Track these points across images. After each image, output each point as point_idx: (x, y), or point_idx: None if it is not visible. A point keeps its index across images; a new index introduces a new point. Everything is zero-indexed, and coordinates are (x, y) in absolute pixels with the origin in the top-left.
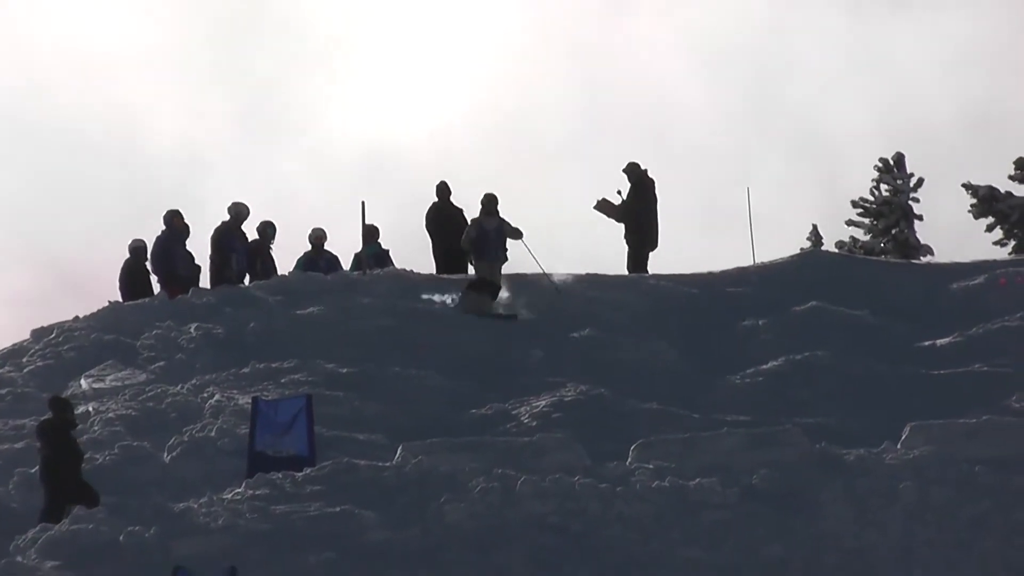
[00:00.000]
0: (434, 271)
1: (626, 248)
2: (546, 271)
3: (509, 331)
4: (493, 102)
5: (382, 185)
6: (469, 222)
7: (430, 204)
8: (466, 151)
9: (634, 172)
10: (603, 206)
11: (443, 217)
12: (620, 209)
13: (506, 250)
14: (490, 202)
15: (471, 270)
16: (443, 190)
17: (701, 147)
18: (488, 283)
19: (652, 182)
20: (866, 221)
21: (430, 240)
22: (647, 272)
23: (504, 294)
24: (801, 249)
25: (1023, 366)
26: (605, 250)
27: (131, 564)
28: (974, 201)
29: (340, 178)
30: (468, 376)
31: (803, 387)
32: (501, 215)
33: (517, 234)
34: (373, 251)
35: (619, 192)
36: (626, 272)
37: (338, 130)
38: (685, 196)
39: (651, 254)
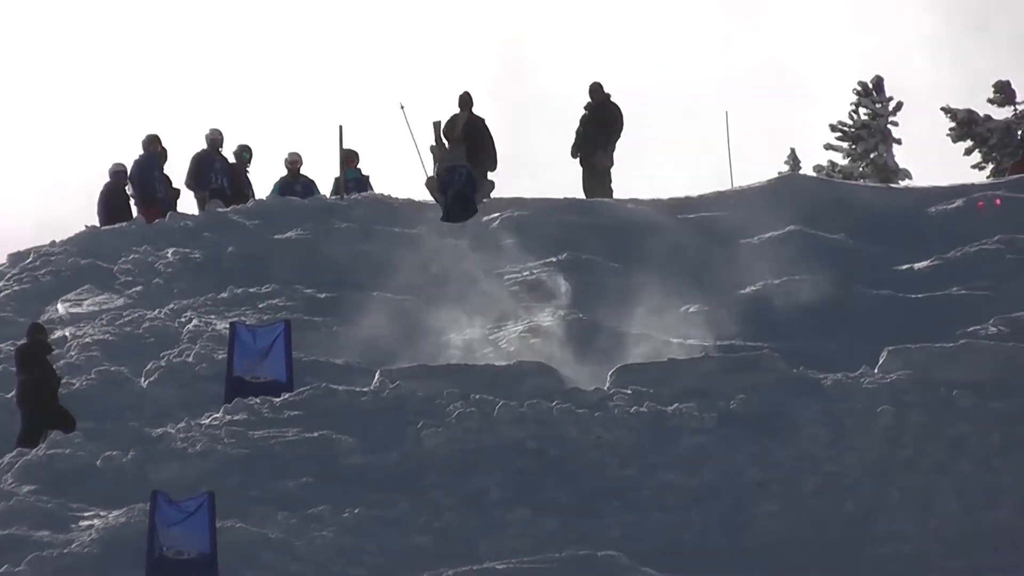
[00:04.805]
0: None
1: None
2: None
3: (488, 256)
4: None
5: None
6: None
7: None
8: None
9: (597, 93)
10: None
11: (463, 127)
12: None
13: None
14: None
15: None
16: (465, 100)
17: (679, 72)
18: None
19: (615, 106)
20: (844, 145)
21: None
22: (611, 194)
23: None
24: (779, 173)
25: (1001, 289)
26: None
27: (108, 489)
28: (953, 124)
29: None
30: (446, 302)
31: (781, 311)
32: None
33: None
34: (353, 176)
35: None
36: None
37: None
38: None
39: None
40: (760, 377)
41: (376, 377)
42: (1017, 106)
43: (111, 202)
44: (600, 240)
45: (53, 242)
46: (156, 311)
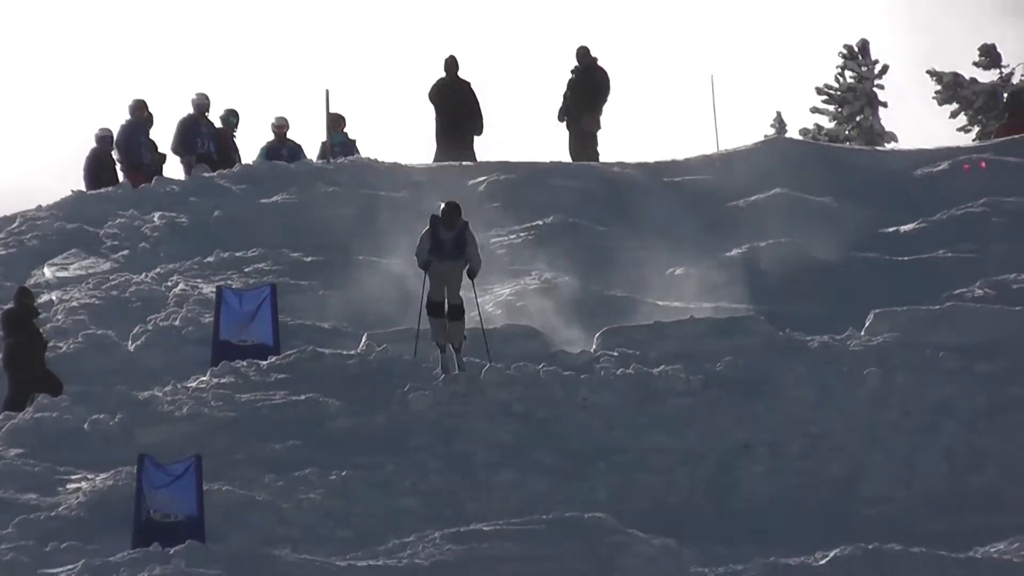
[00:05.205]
0: (435, 150)
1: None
2: (481, 317)
3: (475, 220)
4: None
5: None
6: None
7: (436, 79)
8: None
9: (584, 57)
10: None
11: (449, 91)
12: None
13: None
14: (452, 216)
15: (425, 283)
16: (451, 64)
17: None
18: (440, 305)
19: (602, 71)
20: (830, 108)
21: (435, 115)
22: (597, 157)
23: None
24: (765, 136)
25: (986, 252)
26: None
27: (95, 452)
28: (938, 88)
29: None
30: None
31: (767, 274)
32: (466, 224)
33: (474, 262)
34: (339, 140)
35: None
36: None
37: None
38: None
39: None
40: (746, 340)
41: (363, 340)
42: (1003, 69)
43: (97, 167)
44: (587, 203)
45: (39, 206)
46: (143, 275)
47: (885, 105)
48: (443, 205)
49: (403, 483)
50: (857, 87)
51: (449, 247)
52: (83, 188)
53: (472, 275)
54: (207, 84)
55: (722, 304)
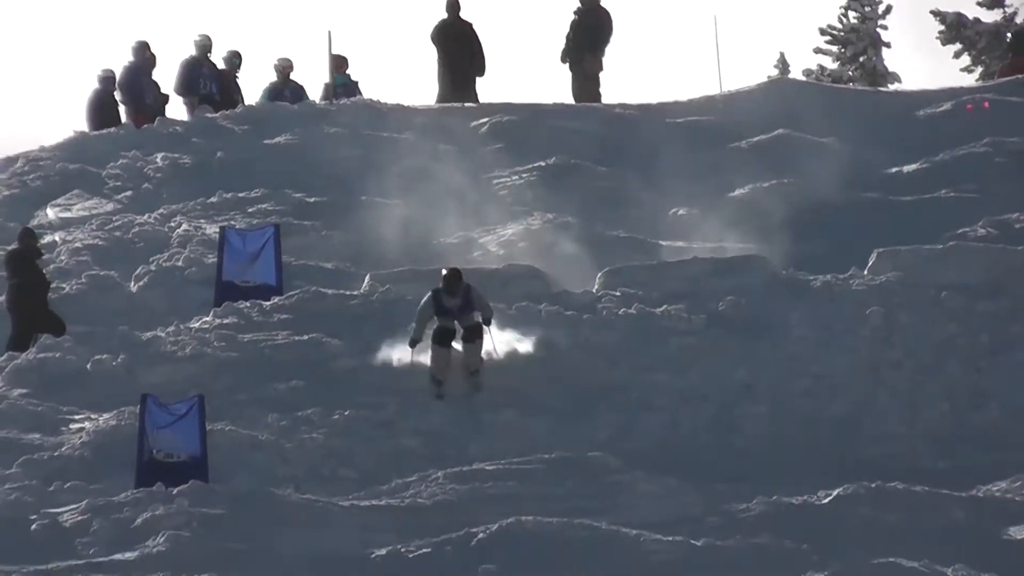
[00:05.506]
0: (437, 91)
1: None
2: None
3: (477, 161)
4: None
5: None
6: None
7: (439, 20)
8: None
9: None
10: None
11: (451, 32)
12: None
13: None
14: (452, 282)
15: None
16: (453, 5)
17: None
18: (450, 332)
19: (605, 11)
20: (834, 49)
21: (437, 56)
22: (600, 98)
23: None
24: (768, 77)
25: (989, 192)
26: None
27: (98, 392)
28: (942, 28)
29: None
30: (435, 205)
31: (770, 214)
32: (469, 286)
33: (487, 312)
34: (342, 81)
35: None
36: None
37: None
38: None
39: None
40: (749, 279)
41: (366, 281)
42: (1006, 9)
43: (100, 108)
44: (589, 144)
45: (42, 147)
46: (146, 216)
47: (888, 45)
48: (444, 272)
49: (406, 423)
50: (860, 27)
51: (456, 314)
52: (86, 129)
53: (487, 323)
54: (210, 25)
55: (725, 244)
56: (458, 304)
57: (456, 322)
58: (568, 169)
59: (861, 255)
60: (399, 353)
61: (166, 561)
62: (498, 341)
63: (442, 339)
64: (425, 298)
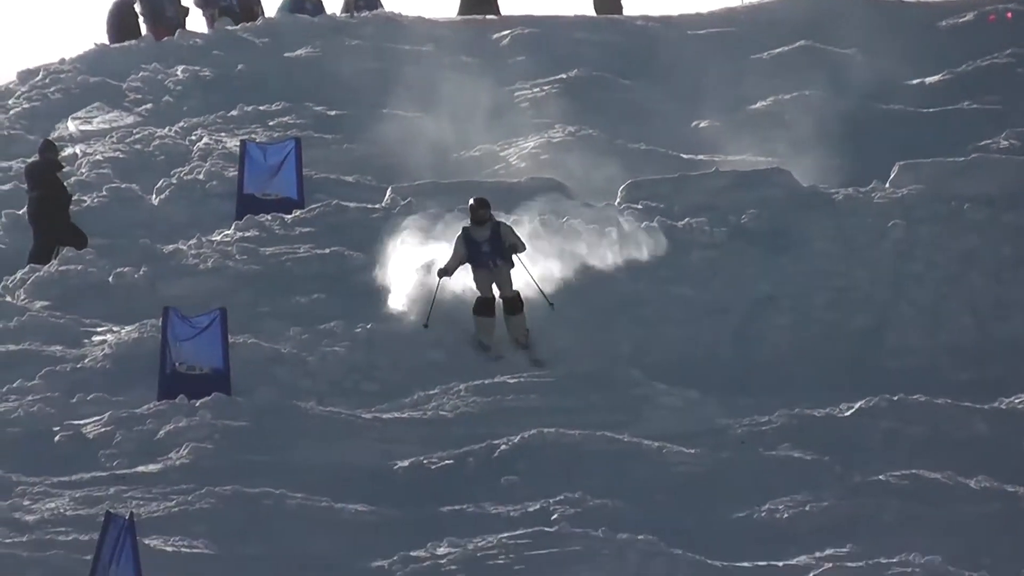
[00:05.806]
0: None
1: None
2: (541, 288)
3: (499, 73)
4: None
5: None
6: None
7: None
8: None
9: None
10: None
11: None
12: None
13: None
14: (477, 210)
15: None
16: None
17: None
18: (489, 302)
19: None
20: None
21: None
22: (621, 11)
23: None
24: None
25: (1012, 103)
26: None
27: (119, 305)
28: None
29: None
30: (457, 118)
31: (792, 127)
32: (497, 220)
33: (519, 246)
34: None
35: None
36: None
37: None
38: None
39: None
40: (771, 192)
41: (387, 194)
42: None
43: (120, 20)
44: (610, 57)
45: (63, 60)
46: (166, 129)
47: None
48: (471, 202)
49: (428, 336)
50: None
51: (487, 250)
52: (106, 42)
53: (517, 252)
54: None
55: (746, 157)
56: (487, 236)
57: (494, 285)
58: (590, 81)
59: (883, 168)
60: (424, 276)
61: (189, 473)
62: (534, 272)
63: (483, 310)
64: (457, 235)
